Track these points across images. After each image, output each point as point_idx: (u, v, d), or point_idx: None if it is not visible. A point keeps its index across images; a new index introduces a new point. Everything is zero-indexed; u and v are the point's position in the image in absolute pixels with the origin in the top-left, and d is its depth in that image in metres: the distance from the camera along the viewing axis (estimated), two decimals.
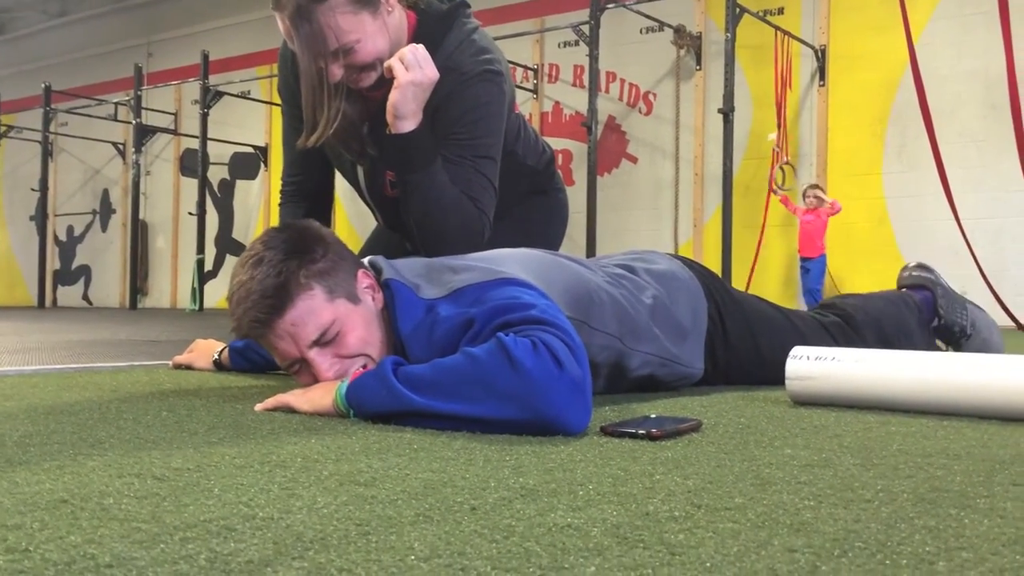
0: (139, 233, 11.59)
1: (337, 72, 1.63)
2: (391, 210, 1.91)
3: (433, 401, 1.16)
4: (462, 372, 1.17)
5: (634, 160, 9.36)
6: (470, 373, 1.16)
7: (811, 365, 1.54)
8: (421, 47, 1.64)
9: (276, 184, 10.87)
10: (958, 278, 7.38)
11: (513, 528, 0.69)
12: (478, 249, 1.67)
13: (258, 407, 1.36)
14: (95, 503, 0.77)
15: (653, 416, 1.28)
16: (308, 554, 0.62)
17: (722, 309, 1.80)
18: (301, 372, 1.39)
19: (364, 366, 1.38)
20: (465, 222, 1.67)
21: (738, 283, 7.63)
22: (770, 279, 8.15)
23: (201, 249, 10.52)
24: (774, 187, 7.88)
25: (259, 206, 12.12)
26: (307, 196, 1.97)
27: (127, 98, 11.92)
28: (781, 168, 7.95)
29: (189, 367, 2.18)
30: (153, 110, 12.18)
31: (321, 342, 1.35)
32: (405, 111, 1.62)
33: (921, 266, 2.26)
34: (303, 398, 1.32)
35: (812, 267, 7.74)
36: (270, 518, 0.72)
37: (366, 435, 1.14)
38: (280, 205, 2.00)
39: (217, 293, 11.83)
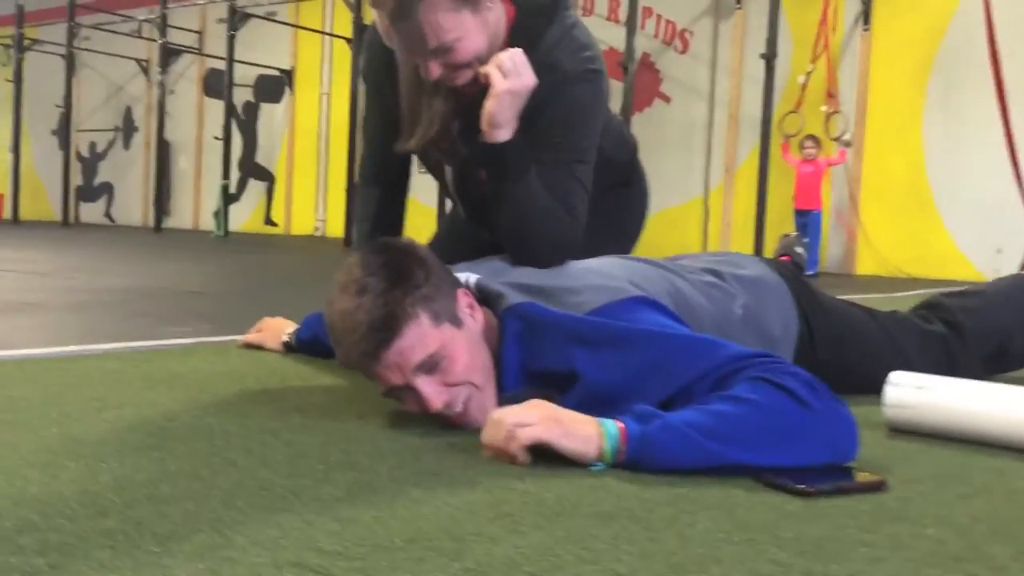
0: (163, 153, 11.51)
1: (435, 70, 1.57)
2: (478, 207, 1.86)
3: (746, 453, 1.18)
4: (756, 419, 1.19)
5: (667, 100, 9.20)
6: (764, 420, 1.19)
7: (912, 394, 1.51)
8: (519, 52, 1.58)
9: (301, 107, 10.83)
10: (992, 235, 7.31)
11: None
12: (569, 258, 1.64)
13: (521, 436, 1.19)
14: None
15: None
16: None
17: (810, 318, 1.76)
18: (405, 398, 1.37)
19: (470, 395, 1.36)
20: (557, 232, 1.63)
21: (773, 226, 7.55)
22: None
23: (226, 175, 10.46)
24: (799, 142, 7.67)
25: (283, 130, 12.02)
26: (387, 180, 1.94)
27: (152, 16, 11.72)
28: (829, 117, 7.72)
29: (259, 347, 2.16)
30: (176, 27, 11.98)
31: (426, 369, 1.33)
32: (501, 120, 1.57)
33: None
34: (557, 432, 1.20)
35: (810, 221, 7.58)
36: None
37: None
38: (358, 186, 1.99)
39: (240, 217, 11.81)
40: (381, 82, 1.81)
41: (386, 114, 1.81)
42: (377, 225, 1.93)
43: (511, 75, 1.56)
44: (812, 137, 7.65)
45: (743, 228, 8.23)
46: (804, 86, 7.79)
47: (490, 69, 1.57)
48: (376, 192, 1.96)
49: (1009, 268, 7.24)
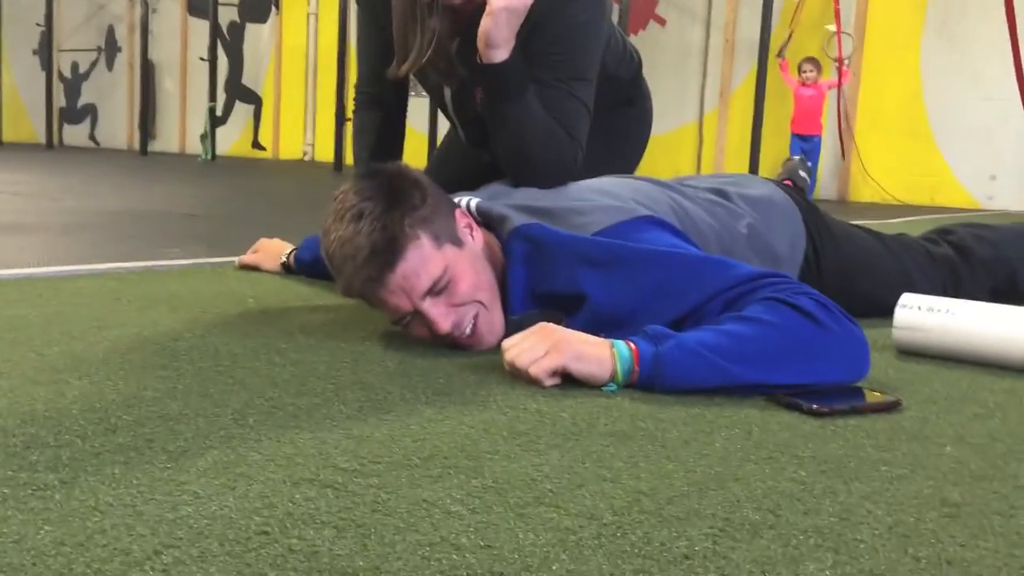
0: (148, 75, 11.27)
1: None
2: (477, 129, 1.82)
3: (760, 372, 1.16)
4: (770, 339, 1.17)
5: (662, 22, 9.03)
6: (779, 339, 1.17)
7: (923, 316, 1.50)
8: None
9: (288, 28, 10.57)
10: (986, 161, 7.28)
11: None
12: (570, 179, 1.61)
13: (534, 372, 1.18)
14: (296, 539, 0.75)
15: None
16: None
17: (817, 244, 1.73)
18: (413, 324, 1.35)
19: (477, 314, 1.34)
20: (558, 153, 1.59)
21: (768, 152, 7.49)
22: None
23: (213, 97, 10.27)
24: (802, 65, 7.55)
25: (270, 51, 11.77)
26: (383, 105, 1.87)
27: None
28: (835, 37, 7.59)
29: (256, 268, 2.13)
30: None
31: (433, 292, 1.30)
32: (498, 39, 1.52)
33: None
34: (569, 356, 1.18)
35: (811, 147, 7.50)
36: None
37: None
38: (355, 112, 1.91)
39: (226, 140, 11.64)
40: (375, 5, 1.74)
41: (381, 33, 1.75)
42: (375, 155, 1.87)
43: None
44: (811, 60, 7.53)
45: (737, 153, 8.17)
46: (799, 5, 7.65)
47: None
48: (374, 117, 1.88)
49: (1002, 195, 7.23)
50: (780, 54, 7.64)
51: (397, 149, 1.92)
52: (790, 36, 7.66)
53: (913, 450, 1.01)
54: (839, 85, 7.52)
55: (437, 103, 1.88)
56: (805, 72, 7.48)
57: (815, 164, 7.49)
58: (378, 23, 1.76)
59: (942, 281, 1.78)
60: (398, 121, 1.92)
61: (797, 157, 6.82)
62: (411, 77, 1.76)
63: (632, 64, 1.97)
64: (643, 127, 2.05)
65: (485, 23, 1.52)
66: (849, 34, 7.67)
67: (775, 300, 1.22)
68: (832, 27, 7.57)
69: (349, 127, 2.11)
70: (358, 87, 1.89)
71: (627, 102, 1.98)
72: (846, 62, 7.58)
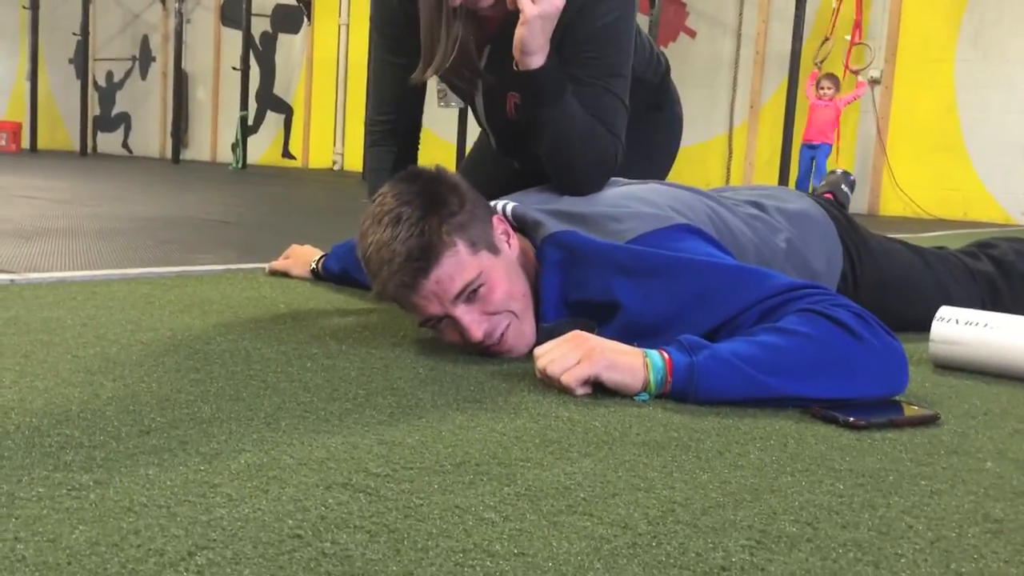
0: (181, 84, 11.39)
1: None
2: (508, 136, 1.82)
3: (795, 385, 1.15)
4: (806, 351, 1.16)
5: (692, 34, 9.00)
6: (815, 352, 1.16)
7: (960, 330, 1.47)
8: None
9: (320, 38, 10.65)
10: (1021, 176, 7.18)
11: None
12: (611, 175, 1.61)
13: (566, 380, 1.17)
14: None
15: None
16: None
17: (854, 260, 1.71)
18: (445, 328, 1.34)
19: (508, 324, 1.34)
20: (600, 151, 1.59)
21: (795, 169, 7.45)
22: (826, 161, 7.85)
23: (245, 106, 10.36)
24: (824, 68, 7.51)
25: (302, 62, 11.87)
26: (399, 136, 1.86)
27: None
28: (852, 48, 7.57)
29: (286, 274, 2.14)
30: None
31: (466, 297, 1.30)
32: (533, 46, 1.52)
33: None
34: (602, 365, 1.17)
35: (818, 153, 7.47)
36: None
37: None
38: (369, 147, 1.87)
39: (257, 149, 11.74)
40: (395, 20, 1.74)
41: (396, 59, 1.75)
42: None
43: None
44: (830, 76, 7.50)
45: (767, 166, 8.12)
46: (836, 10, 7.61)
47: None
48: (388, 152, 1.83)
49: None
50: (818, 62, 7.60)
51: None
52: (827, 45, 7.61)
53: (953, 464, 0.99)
54: (853, 99, 7.47)
55: (471, 108, 1.87)
56: (823, 88, 7.44)
57: (822, 170, 7.46)
58: (392, 49, 1.77)
59: (980, 296, 1.76)
60: (411, 156, 1.89)
61: (840, 170, 6.77)
62: (436, 92, 1.75)
63: (660, 68, 1.96)
64: (673, 132, 2.04)
65: (520, 31, 1.52)
66: (867, 44, 7.61)
67: (812, 311, 1.20)
68: (848, 37, 7.53)
69: None
70: (371, 121, 1.86)
71: (656, 107, 1.97)
72: (874, 74, 7.53)
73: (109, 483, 0.81)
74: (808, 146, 7.55)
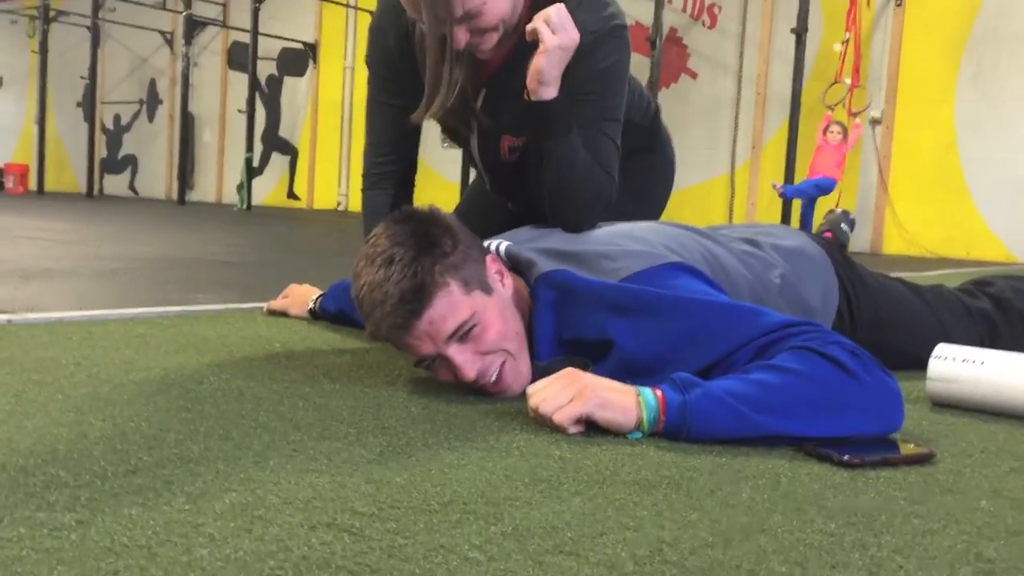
0: (187, 126, 11.50)
1: (462, 38, 1.54)
2: (502, 176, 1.83)
3: (788, 423, 1.14)
4: (799, 389, 1.15)
5: (693, 76, 9.08)
6: (808, 390, 1.15)
7: (957, 368, 1.46)
8: (563, 7, 1.54)
9: (325, 81, 10.75)
10: (1022, 214, 7.20)
11: None
12: (606, 212, 1.62)
13: (558, 419, 1.17)
14: None
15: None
16: None
17: (851, 297, 1.70)
18: (439, 368, 1.34)
19: (504, 363, 1.33)
20: (597, 190, 1.61)
21: (797, 209, 7.46)
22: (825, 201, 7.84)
23: (250, 147, 10.44)
24: (831, 106, 7.56)
25: (307, 104, 11.98)
26: (395, 181, 1.86)
27: None
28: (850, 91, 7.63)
29: (284, 313, 2.14)
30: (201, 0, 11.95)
31: (459, 336, 1.30)
32: (549, 76, 1.53)
33: None
34: (594, 404, 1.16)
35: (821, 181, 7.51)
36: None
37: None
38: (366, 189, 1.88)
39: (262, 190, 11.81)
40: (392, 67, 1.76)
41: (392, 100, 1.76)
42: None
43: (560, 30, 1.52)
44: (840, 123, 7.55)
45: (769, 207, 8.14)
46: (842, 54, 7.68)
47: (538, 25, 1.53)
48: (384, 198, 1.84)
49: None
50: (831, 106, 7.64)
51: None
52: (837, 87, 7.66)
53: (947, 503, 0.98)
54: (852, 143, 7.51)
55: (464, 150, 1.89)
56: (831, 133, 7.49)
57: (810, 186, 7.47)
58: (389, 90, 1.78)
59: (979, 334, 1.75)
60: (408, 200, 1.89)
61: (840, 209, 6.79)
62: (440, 133, 1.77)
63: (649, 110, 1.98)
64: (666, 173, 2.05)
65: (539, 60, 1.54)
66: (862, 87, 7.66)
67: (805, 349, 1.20)
68: (848, 80, 7.60)
69: None
70: (369, 163, 1.87)
71: (647, 149, 1.99)
72: (875, 114, 7.58)
73: (91, 523, 0.80)
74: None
